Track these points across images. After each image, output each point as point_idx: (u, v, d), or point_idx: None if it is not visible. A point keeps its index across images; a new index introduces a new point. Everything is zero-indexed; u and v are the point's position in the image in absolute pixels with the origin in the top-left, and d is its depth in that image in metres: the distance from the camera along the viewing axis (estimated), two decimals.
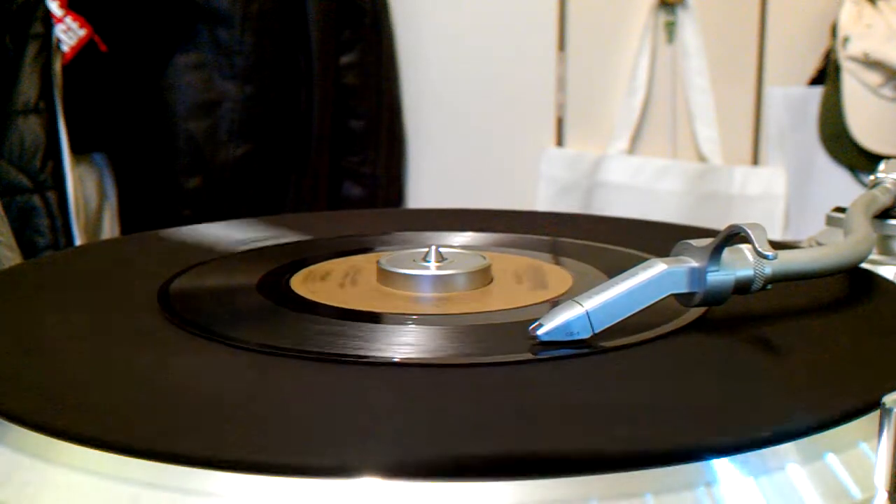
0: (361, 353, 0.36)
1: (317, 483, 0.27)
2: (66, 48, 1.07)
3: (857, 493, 0.29)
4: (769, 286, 0.39)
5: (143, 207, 1.23)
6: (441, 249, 0.46)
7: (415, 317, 0.41)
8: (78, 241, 1.08)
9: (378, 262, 0.46)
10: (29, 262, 0.65)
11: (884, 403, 0.28)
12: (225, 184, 1.25)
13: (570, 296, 0.40)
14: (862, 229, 0.45)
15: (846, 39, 1.38)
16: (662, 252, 0.40)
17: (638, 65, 1.43)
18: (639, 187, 1.43)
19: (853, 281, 0.46)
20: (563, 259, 0.51)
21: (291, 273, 0.48)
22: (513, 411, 0.31)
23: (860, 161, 1.42)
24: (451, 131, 1.49)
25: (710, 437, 0.29)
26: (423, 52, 1.46)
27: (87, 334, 0.40)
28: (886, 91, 1.38)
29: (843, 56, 1.39)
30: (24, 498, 0.28)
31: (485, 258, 0.47)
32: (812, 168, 1.46)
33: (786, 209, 1.46)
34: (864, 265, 0.45)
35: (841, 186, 1.44)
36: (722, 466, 0.28)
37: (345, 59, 1.36)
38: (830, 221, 0.54)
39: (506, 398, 0.33)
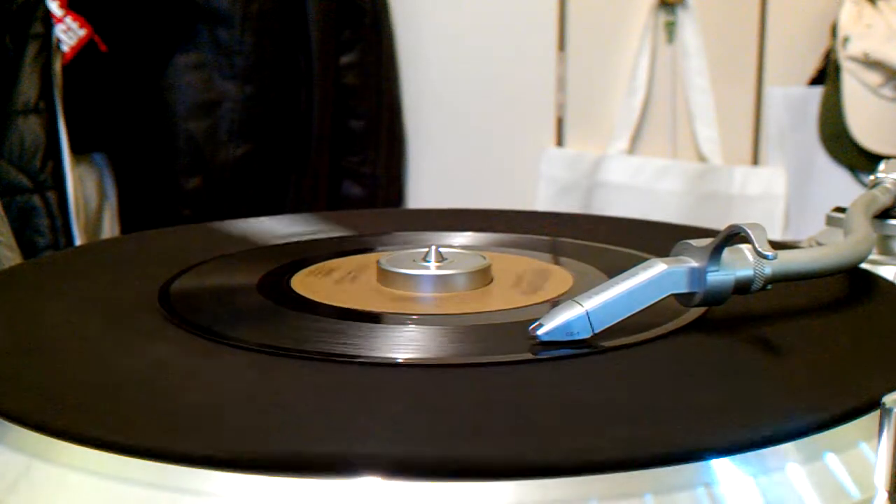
0: (361, 353, 0.36)
1: (317, 483, 0.27)
2: (66, 48, 1.07)
3: (856, 493, 0.29)
4: (769, 286, 0.39)
5: (143, 207, 1.23)
6: (441, 249, 0.46)
7: (415, 317, 0.41)
8: (78, 241, 1.08)
9: (378, 262, 0.46)
10: (29, 262, 0.65)
11: (884, 403, 0.28)
12: (225, 184, 1.25)
13: (570, 296, 0.40)
14: (862, 229, 0.45)
15: (846, 39, 1.38)
16: (662, 252, 0.40)
17: (638, 65, 1.43)
18: (639, 187, 1.43)
19: (853, 281, 0.46)
20: (563, 259, 0.51)
21: (292, 273, 0.48)
22: (513, 411, 0.31)
23: (860, 161, 1.42)
24: (451, 131, 1.49)
25: (710, 437, 0.29)
26: (423, 52, 1.46)
27: (87, 334, 0.40)
28: (886, 91, 1.38)
29: (843, 56, 1.39)
30: (23, 498, 0.28)
31: (485, 258, 0.47)
32: (812, 168, 1.46)
33: (786, 209, 1.46)
34: (864, 265, 0.45)
35: (841, 186, 1.44)
36: (722, 466, 0.28)
37: (345, 59, 1.36)
38: (830, 221, 0.54)
39: (506, 398, 0.33)
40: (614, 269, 0.41)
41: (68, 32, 1.07)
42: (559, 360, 0.36)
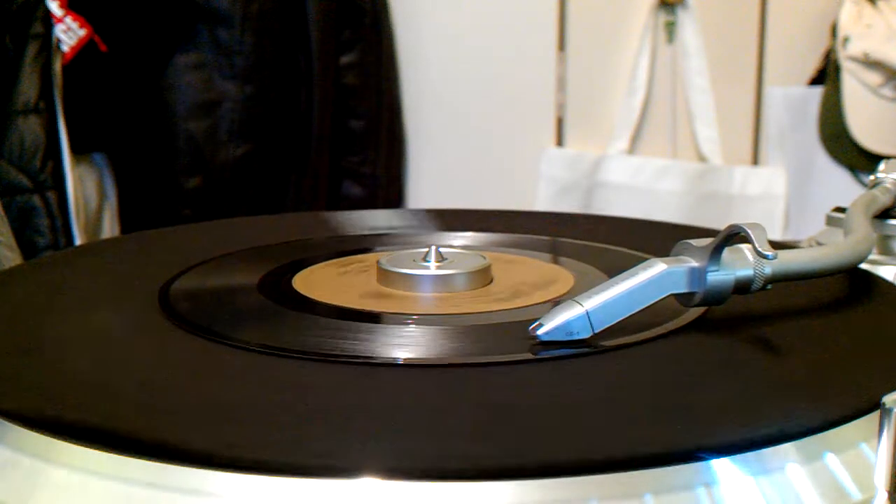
0: (361, 353, 0.36)
1: (317, 483, 0.27)
2: (66, 48, 1.07)
3: (856, 493, 0.29)
4: (769, 286, 0.39)
5: (143, 207, 1.23)
6: (441, 249, 0.46)
7: (415, 317, 0.41)
8: (78, 241, 1.08)
9: (378, 262, 0.46)
10: (29, 262, 0.65)
11: (884, 403, 0.28)
12: (225, 184, 1.25)
13: (570, 296, 0.40)
14: (862, 229, 0.45)
15: (846, 39, 1.38)
16: (662, 252, 0.40)
17: (638, 65, 1.43)
18: (639, 187, 1.43)
19: (853, 281, 0.46)
20: (563, 259, 0.51)
21: (292, 273, 0.48)
22: (513, 411, 0.31)
23: (860, 161, 1.42)
24: (451, 131, 1.49)
25: (710, 437, 0.29)
26: (423, 52, 1.46)
27: (87, 334, 0.40)
28: (886, 91, 1.38)
29: (843, 56, 1.39)
30: (24, 498, 0.28)
31: (485, 258, 0.47)
32: (812, 168, 1.46)
33: (786, 209, 1.46)
34: (864, 265, 0.45)
35: (841, 186, 1.44)
36: (722, 466, 0.28)
37: (345, 59, 1.36)
38: (830, 221, 0.54)
39: (506, 398, 0.33)
40: (614, 269, 0.41)
41: (68, 32, 1.07)
42: (559, 360, 0.36)
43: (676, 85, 1.45)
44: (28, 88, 1.05)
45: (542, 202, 1.45)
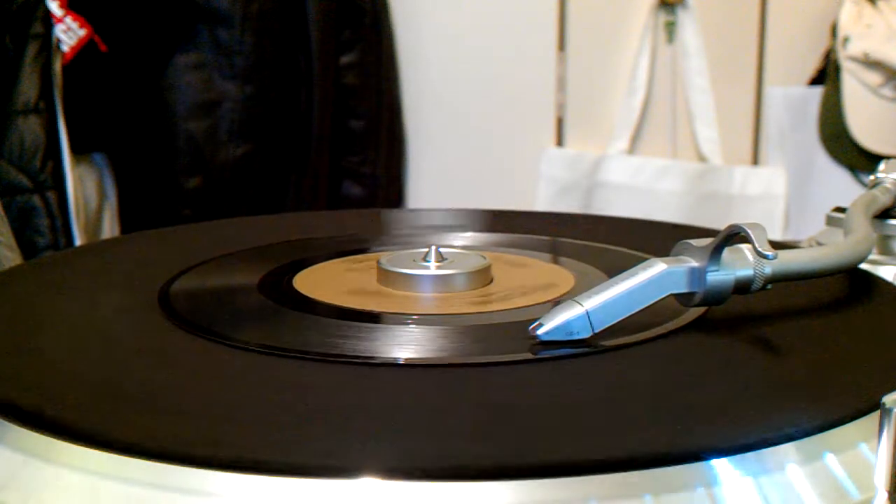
0: (361, 353, 0.36)
1: (317, 483, 0.27)
2: (66, 48, 1.07)
3: (856, 493, 0.29)
4: (769, 286, 0.39)
5: (143, 207, 1.23)
6: (441, 249, 0.46)
7: (415, 317, 0.41)
8: (78, 241, 1.08)
9: (378, 262, 0.46)
10: (29, 262, 0.65)
11: (884, 403, 0.28)
12: (225, 184, 1.25)
13: (570, 296, 0.40)
14: (862, 229, 0.45)
15: (846, 39, 1.38)
16: (662, 252, 0.40)
17: (638, 65, 1.43)
18: (639, 187, 1.43)
19: (853, 281, 0.46)
20: (563, 259, 0.51)
21: (292, 273, 0.48)
22: (513, 411, 0.31)
23: (860, 161, 1.42)
24: (451, 131, 1.49)
25: (710, 437, 0.29)
26: (423, 52, 1.46)
27: (87, 334, 0.40)
28: (886, 91, 1.38)
29: (843, 56, 1.39)
30: (24, 498, 0.28)
31: (485, 258, 0.47)
32: (812, 168, 1.46)
33: (786, 209, 1.46)
34: (864, 265, 0.45)
35: (841, 186, 1.44)
36: (722, 466, 0.28)
37: (345, 59, 1.36)
38: (830, 221, 0.54)
39: (506, 398, 0.33)
40: (614, 269, 0.41)
41: (68, 32, 1.07)
42: (559, 359, 0.36)
43: (676, 85, 1.45)
44: (28, 88, 1.05)
45: (542, 202, 1.45)
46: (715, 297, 0.38)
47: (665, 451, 0.28)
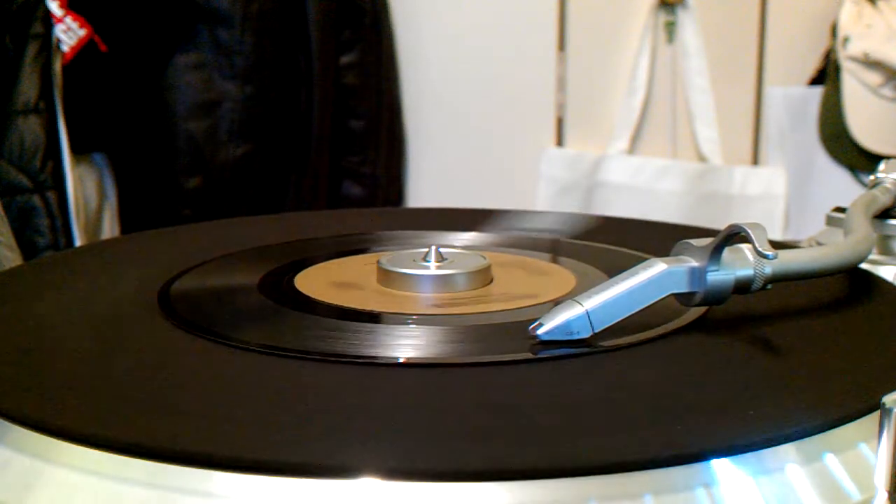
0: (361, 353, 0.36)
1: (317, 483, 0.27)
2: (66, 48, 1.07)
3: (856, 493, 0.29)
4: (769, 286, 0.39)
5: (143, 207, 1.23)
6: (441, 249, 0.46)
7: (415, 317, 0.41)
8: (78, 241, 1.08)
9: (378, 262, 0.46)
10: (29, 263, 0.65)
11: (884, 403, 0.28)
12: (225, 184, 1.25)
13: (570, 296, 0.40)
14: (862, 229, 0.45)
15: (846, 39, 1.38)
16: (662, 252, 0.40)
17: (638, 65, 1.43)
18: (639, 187, 1.43)
19: (853, 281, 0.46)
20: (563, 259, 0.51)
21: (292, 273, 0.48)
22: (513, 411, 0.31)
23: (860, 161, 1.42)
24: (451, 131, 1.49)
25: (709, 437, 0.29)
26: (423, 52, 1.46)
27: (87, 334, 0.40)
28: (886, 91, 1.38)
29: (843, 56, 1.39)
30: (24, 498, 0.28)
31: (485, 258, 0.47)
32: (812, 168, 1.46)
33: (786, 209, 1.46)
34: (864, 265, 0.45)
35: (841, 186, 1.44)
36: (721, 467, 0.28)
37: (345, 59, 1.36)
38: (830, 221, 0.54)
39: (506, 398, 0.33)
40: (614, 269, 0.41)
41: (68, 32, 1.07)
42: (559, 359, 0.36)
43: (676, 85, 1.45)
44: (28, 88, 1.05)
45: (542, 202, 1.45)
46: (715, 297, 0.38)
47: (665, 452, 0.28)
